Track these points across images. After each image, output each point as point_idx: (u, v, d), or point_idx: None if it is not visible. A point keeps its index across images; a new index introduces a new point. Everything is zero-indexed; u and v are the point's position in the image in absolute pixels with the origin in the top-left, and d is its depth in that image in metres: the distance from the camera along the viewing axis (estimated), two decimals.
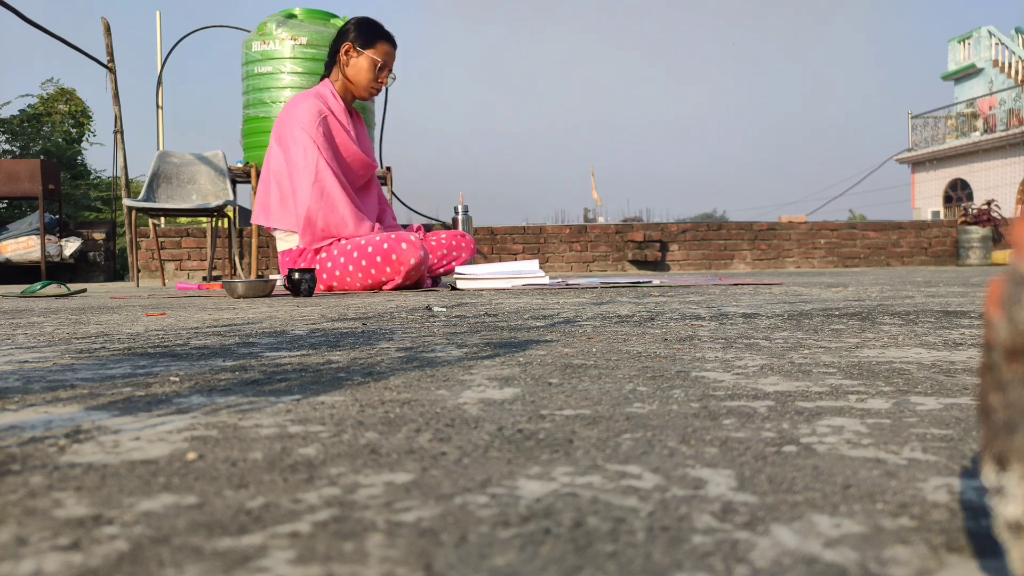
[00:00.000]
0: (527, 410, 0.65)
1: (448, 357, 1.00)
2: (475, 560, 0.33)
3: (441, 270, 3.58)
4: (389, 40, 3.50)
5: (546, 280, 3.30)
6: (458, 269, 3.40)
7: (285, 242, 3.41)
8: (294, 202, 3.31)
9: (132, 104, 6.32)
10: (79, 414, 0.66)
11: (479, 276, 3.28)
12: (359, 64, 3.44)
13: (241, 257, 6.08)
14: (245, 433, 0.58)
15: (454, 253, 3.62)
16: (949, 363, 0.90)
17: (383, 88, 3.55)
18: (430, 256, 3.37)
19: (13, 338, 1.35)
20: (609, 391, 0.74)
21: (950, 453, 0.50)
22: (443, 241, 3.63)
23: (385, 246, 3.17)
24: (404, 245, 3.15)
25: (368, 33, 3.45)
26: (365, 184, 3.57)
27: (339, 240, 3.29)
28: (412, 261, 3.15)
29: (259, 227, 5.56)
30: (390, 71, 3.52)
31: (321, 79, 3.57)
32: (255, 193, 5.17)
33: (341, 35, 3.48)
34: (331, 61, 3.52)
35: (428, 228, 4.12)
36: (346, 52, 3.44)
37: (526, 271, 3.32)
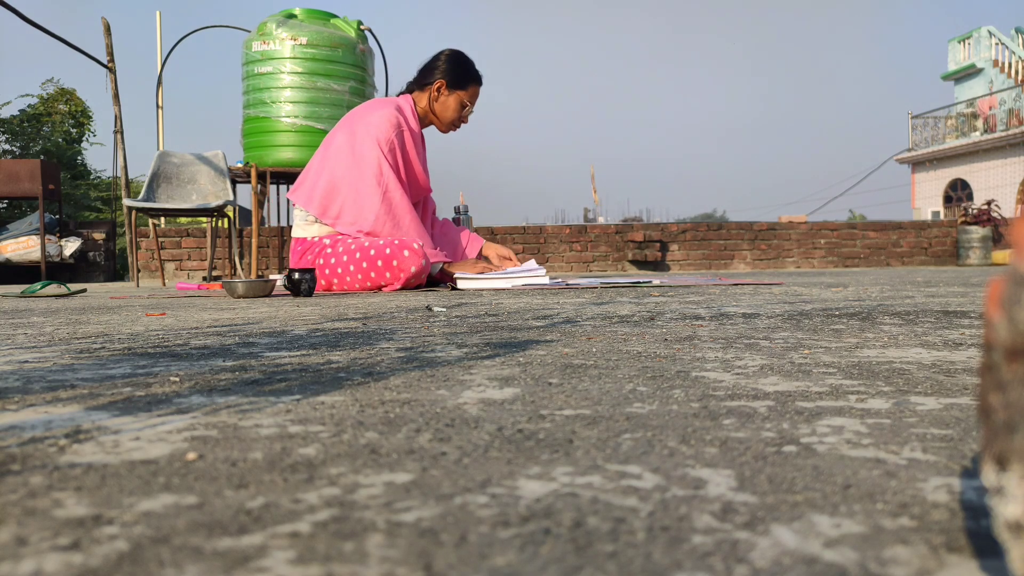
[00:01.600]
0: (527, 410, 0.65)
1: (448, 357, 1.00)
2: (475, 560, 0.33)
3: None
4: (479, 81, 3.55)
5: (546, 280, 3.30)
6: None
7: (302, 229, 3.42)
8: (357, 208, 3.32)
9: (132, 104, 6.32)
10: (79, 414, 0.66)
11: (479, 276, 3.29)
12: (448, 103, 3.49)
13: (241, 257, 6.08)
14: (245, 433, 0.58)
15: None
16: (949, 363, 0.90)
17: (462, 125, 3.59)
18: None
19: (13, 338, 1.35)
20: (609, 391, 0.74)
21: (950, 453, 0.50)
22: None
23: (387, 251, 3.17)
24: (406, 252, 3.15)
25: (462, 74, 3.49)
26: (418, 203, 3.60)
27: (345, 238, 3.30)
28: (413, 269, 3.16)
29: (259, 227, 5.57)
30: (471, 107, 3.57)
31: (400, 93, 3.57)
32: (255, 193, 5.18)
33: (434, 68, 3.49)
34: (417, 82, 3.52)
35: None
36: (438, 89, 3.47)
37: (526, 271, 3.33)
